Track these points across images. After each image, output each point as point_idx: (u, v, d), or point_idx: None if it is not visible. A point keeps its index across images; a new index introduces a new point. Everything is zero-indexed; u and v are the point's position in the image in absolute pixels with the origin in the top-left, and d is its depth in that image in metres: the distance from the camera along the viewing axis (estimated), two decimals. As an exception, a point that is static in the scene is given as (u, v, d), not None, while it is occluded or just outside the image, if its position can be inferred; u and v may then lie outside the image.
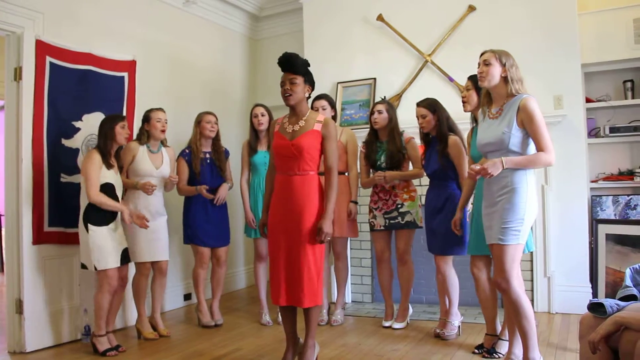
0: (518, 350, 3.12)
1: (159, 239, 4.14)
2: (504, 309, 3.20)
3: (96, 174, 3.65)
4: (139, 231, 4.00)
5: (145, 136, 4.13)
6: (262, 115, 4.40)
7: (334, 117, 4.44)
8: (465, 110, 3.57)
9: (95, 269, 3.65)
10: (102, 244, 3.64)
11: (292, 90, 3.14)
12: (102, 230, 3.66)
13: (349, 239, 4.55)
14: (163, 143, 4.25)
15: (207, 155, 4.39)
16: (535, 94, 2.98)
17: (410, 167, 4.20)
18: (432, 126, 3.87)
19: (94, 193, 3.63)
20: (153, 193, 3.99)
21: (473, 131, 3.53)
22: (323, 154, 3.19)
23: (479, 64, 2.98)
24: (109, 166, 3.72)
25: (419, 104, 3.92)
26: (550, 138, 2.83)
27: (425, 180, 4.18)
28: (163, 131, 4.14)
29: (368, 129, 4.34)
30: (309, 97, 3.26)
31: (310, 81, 3.23)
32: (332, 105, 4.39)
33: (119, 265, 3.71)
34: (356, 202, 4.33)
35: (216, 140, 4.43)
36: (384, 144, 4.16)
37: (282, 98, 3.18)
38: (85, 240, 3.67)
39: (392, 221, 4.15)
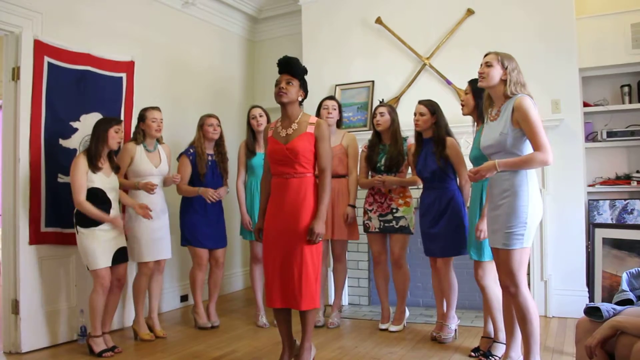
0: (515, 353, 3.12)
1: (162, 238, 4.15)
2: (503, 312, 3.20)
3: (80, 180, 3.64)
4: (143, 231, 4.02)
5: (141, 135, 4.13)
6: (261, 117, 4.41)
7: (340, 121, 4.45)
8: (463, 113, 3.58)
9: (88, 269, 3.68)
10: (91, 245, 3.64)
11: (287, 89, 3.14)
12: (91, 232, 3.66)
13: (347, 241, 4.55)
14: (159, 140, 4.25)
15: (210, 158, 4.39)
16: (533, 97, 2.97)
17: (409, 171, 4.20)
18: (427, 126, 3.86)
19: (79, 200, 3.63)
20: (155, 192, 3.98)
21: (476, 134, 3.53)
22: (316, 156, 3.19)
23: (481, 65, 2.99)
24: (95, 169, 3.70)
25: (420, 101, 3.92)
26: (546, 137, 2.79)
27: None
28: (158, 130, 4.14)
29: (366, 132, 4.35)
30: (301, 103, 3.27)
31: (304, 87, 3.24)
32: (340, 109, 4.42)
33: (109, 265, 3.71)
34: (354, 206, 4.32)
35: (220, 142, 4.43)
36: (386, 147, 4.17)
37: (275, 96, 3.19)
38: (78, 241, 3.70)
39: (386, 224, 4.14)
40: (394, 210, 4.12)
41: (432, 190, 3.91)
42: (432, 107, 3.85)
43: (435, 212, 3.85)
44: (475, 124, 3.52)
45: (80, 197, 3.63)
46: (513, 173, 2.84)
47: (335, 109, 4.33)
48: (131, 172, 4.07)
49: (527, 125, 2.78)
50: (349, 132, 4.67)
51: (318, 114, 4.28)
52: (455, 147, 3.81)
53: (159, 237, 4.11)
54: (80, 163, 3.67)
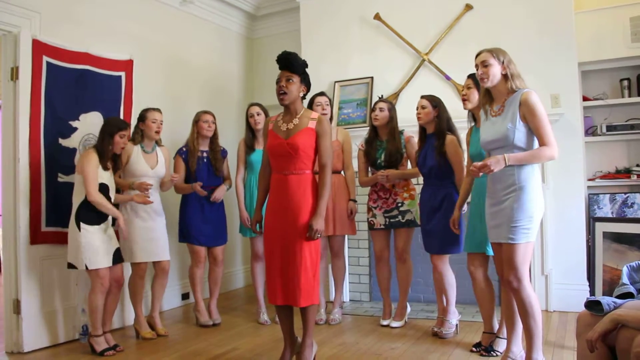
0: (516, 348, 3.12)
1: (157, 239, 4.12)
2: (502, 306, 3.20)
3: (94, 173, 3.64)
4: (137, 231, 4.00)
5: (139, 135, 4.12)
6: (258, 115, 4.41)
7: (331, 117, 4.45)
8: (465, 108, 3.56)
9: (87, 268, 3.62)
10: (95, 244, 3.62)
11: (287, 88, 3.12)
12: (95, 230, 3.65)
13: (346, 237, 4.55)
14: (157, 143, 4.24)
15: (205, 154, 4.38)
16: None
17: (409, 165, 4.20)
18: (429, 120, 3.86)
19: (93, 191, 3.61)
20: (150, 193, 3.97)
21: (472, 130, 3.52)
22: (317, 152, 3.19)
23: (476, 66, 2.96)
24: (105, 167, 3.72)
25: (423, 96, 3.92)
26: (552, 132, 2.81)
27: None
28: (158, 132, 4.13)
29: (365, 128, 4.33)
30: (304, 97, 3.25)
31: (306, 82, 3.22)
32: (331, 104, 4.41)
33: (110, 264, 3.70)
34: (355, 201, 4.33)
35: (214, 139, 4.43)
36: (383, 143, 4.16)
37: (277, 96, 3.17)
38: (77, 239, 3.63)
39: (392, 220, 4.15)
40: (400, 205, 4.12)
41: (429, 187, 3.92)
42: (434, 101, 3.85)
43: (430, 208, 3.88)
44: (475, 121, 3.51)
45: (95, 188, 3.61)
46: (519, 168, 2.84)
47: (328, 105, 4.34)
48: (127, 171, 4.06)
49: (534, 120, 2.80)
50: (346, 128, 4.68)
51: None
52: (454, 144, 3.80)
53: (152, 237, 4.08)
54: (93, 157, 3.67)
